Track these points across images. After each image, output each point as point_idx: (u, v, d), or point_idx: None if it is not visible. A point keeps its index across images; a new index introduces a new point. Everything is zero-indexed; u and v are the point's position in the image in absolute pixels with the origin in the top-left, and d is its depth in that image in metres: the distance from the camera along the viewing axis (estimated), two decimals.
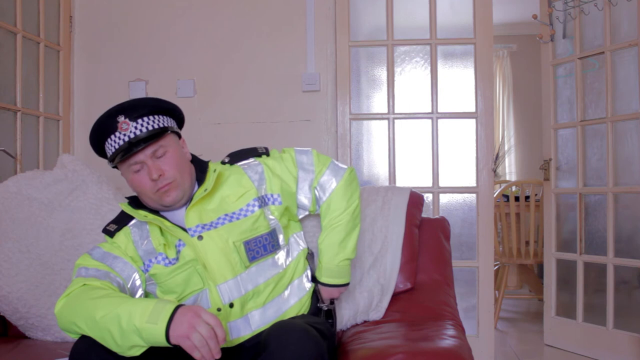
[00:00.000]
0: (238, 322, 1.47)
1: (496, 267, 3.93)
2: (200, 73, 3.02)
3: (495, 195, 3.36)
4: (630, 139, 2.94)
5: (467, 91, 3.03)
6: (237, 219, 1.51)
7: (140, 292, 1.50)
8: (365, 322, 1.74)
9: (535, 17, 3.22)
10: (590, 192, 3.11)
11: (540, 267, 3.69)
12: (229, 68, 3.00)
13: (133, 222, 1.55)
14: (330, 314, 1.59)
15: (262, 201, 1.55)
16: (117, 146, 1.46)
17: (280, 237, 1.56)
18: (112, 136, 1.46)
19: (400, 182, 3.05)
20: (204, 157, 1.66)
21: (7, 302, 1.85)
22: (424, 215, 2.03)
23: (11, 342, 1.83)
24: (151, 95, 3.04)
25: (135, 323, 1.21)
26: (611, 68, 2.96)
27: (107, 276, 1.43)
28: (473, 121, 3.01)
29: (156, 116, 1.50)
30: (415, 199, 1.99)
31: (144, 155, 1.46)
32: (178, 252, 1.48)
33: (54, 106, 2.97)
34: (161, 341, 1.21)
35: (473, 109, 3.01)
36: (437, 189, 3.03)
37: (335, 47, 3.02)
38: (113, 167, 1.53)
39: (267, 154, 1.64)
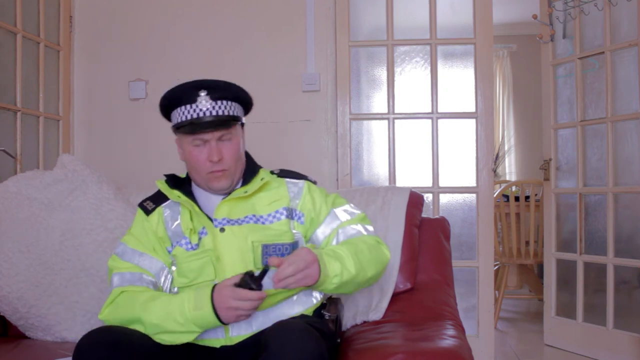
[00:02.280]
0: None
1: (496, 267, 3.93)
2: (200, 73, 3.00)
3: (495, 195, 3.36)
4: (630, 139, 2.94)
5: (467, 91, 3.03)
6: (263, 222, 1.54)
7: (169, 277, 1.55)
8: (364, 322, 1.74)
9: (535, 17, 3.22)
10: (590, 192, 3.11)
11: (540, 267, 3.69)
12: (229, 68, 3.00)
13: (167, 202, 1.58)
14: (334, 323, 1.57)
15: (290, 213, 1.57)
16: (189, 117, 1.48)
17: None
18: (188, 106, 1.49)
19: (400, 182, 3.05)
20: None
21: (7, 302, 1.85)
22: (424, 215, 2.03)
23: (11, 342, 1.83)
24: (152, 95, 3.05)
25: (187, 315, 1.34)
26: (611, 68, 2.96)
27: (141, 279, 1.51)
28: (473, 121, 3.01)
29: (235, 103, 1.54)
30: (415, 199, 1.99)
31: (211, 135, 1.48)
32: (200, 239, 1.51)
33: (54, 106, 2.97)
34: (213, 322, 1.35)
35: (473, 109, 3.01)
36: (437, 189, 3.03)
37: (335, 47, 3.01)
38: (174, 132, 1.56)
39: (315, 184, 1.67)
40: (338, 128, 3.02)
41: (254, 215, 1.54)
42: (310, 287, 1.42)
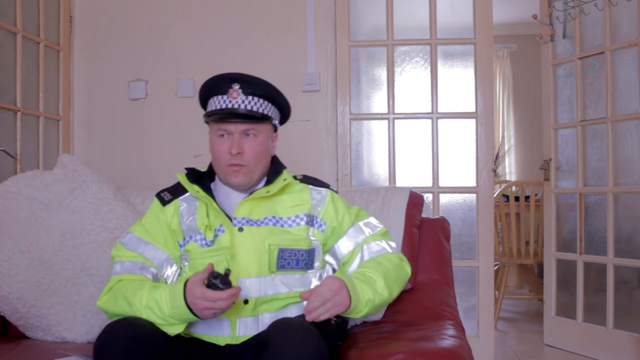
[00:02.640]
0: (248, 320, 1.47)
1: (496, 267, 3.93)
2: (200, 73, 3.00)
3: (495, 195, 3.36)
4: (630, 139, 2.94)
5: (467, 91, 3.03)
6: (282, 225, 1.54)
7: (174, 268, 1.56)
8: (364, 322, 1.74)
9: (535, 17, 3.22)
10: (590, 192, 3.11)
11: (540, 267, 3.69)
12: (229, 68, 2.95)
13: (185, 195, 1.59)
14: (341, 327, 1.57)
15: (311, 220, 1.57)
16: (218, 107, 1.51)
17: (317, 260, 1.57)
18: (220, 96, 1.52)
19: (400, 182, 3.05)
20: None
21: (7, 302, 1.85)
22: (424, 215, 2.03)
23: (11, 342, 1.83)
24: (152, 95, 3.05)
25: (166, 311, 1.35)
26: (611, 68, 2.96)
27: (141, 268, 1.51)
28: (473, 121, 3.01)
29: (267, 102, 1.55)
30: (415, 199, 1.99)
31: (235, 128, 1.50)
32: (216, 236, 1.51)
33: (54, 106, 2.97)
34: (193, 318, 1.35)
35: (473, 109, 3.01)
36: (437, 189, 3.03)
37: (335, 47, 3.01)
38: (205, 122, 1.58)
39: (337, 192, 1.67)
40: (338, 128, 3.02)
41: (274, 217, 1.54)
42: (344, 314, 1.40)
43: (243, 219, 1.51)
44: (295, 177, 1.64)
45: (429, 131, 3.04)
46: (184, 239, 1.55)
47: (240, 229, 1.50)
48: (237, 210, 1.52)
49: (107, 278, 1.78)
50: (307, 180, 1.65)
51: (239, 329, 1.46)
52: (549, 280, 3.26)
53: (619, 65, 2.97)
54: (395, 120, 3.07)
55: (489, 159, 3.00)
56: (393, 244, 1.61)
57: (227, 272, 1.33)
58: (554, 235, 3.26)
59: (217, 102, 1.52)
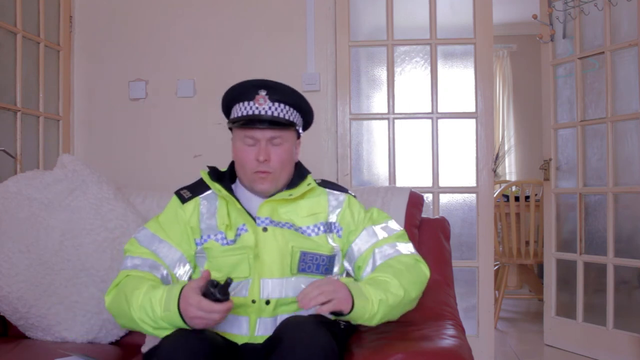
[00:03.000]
0: (267, 320, 1.47)
1: (496, 267, 3.93)
2: (200, 73, 3.02)
3: (495, 195, 3.36)
4: (630, 139, 2.94)
5: (467, 91, 3.03)
6: (303, 232, 1.54)
7: (186, 268, 1.54)
8: None
9: (535, 17, 3.22)
10: (590, 192, 3.10)
11: (540, 267, 3.69)
12: (229, 68, 3.00)
13: (206, 194, 1.58)
14: (348, 331, 1.55)
15: (329, 227, 1.58)
16: (245, 113, 1.51)
17: (337, 266, 1.57)
18: (246, 103, 1.52)
19: (400, 182, 3.05)
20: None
21: (7, 302, 1.85)
22: (424, 215, 2.03)
23: (11, 342, 1.83)
24: (152, 95, 3.05)
25: (157, 313, 1.34)
26: (611, 68, 2.96)
27: (151, 267, 1.49)
28: (473, 121, 3.01)
29: (292, 109, 1.55)
30: (415, 199, 1.99)
31: (262, 134, 1.50)
32: (238, 235, 1.51)
33: (54, 106, 2.97)
34: (183, 324, 1.32)
35: (473, 109, 3.01)
36: (437, 189, 3.03)
37: (335, 47, 3.01)
38: (229, 128, 1.58)
39: (355, 197, 1.66)
40: (338, 128, 3.02)
41: (292, 225, 1.54)
42: (353, 318, 1.37)
43: (266, 218, 1.51)
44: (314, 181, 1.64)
45: (429, 131, 3.04)
46: (202, 237, 1.54)
47: (265, 229, 1.50)
48: (260, 210, 1.52)
49: (107, 278, 1.79)
50: (326, 184, 1.65)
51: (258, 329, 1.46)
52: (549, 280, 3.26)
53: (619, 65, 2.97)
54: (395, 120, 3.07)
55: (489, 159, 3.00)
56: (409, 246, 1.59)
57: (229, 282, 1.29)
58: (554, 235, 3.26)
59: (243, 109, 1.52)
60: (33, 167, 2.72)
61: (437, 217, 2.17)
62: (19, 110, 2.65)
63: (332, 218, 1.58)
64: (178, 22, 3.06)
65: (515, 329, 3.76)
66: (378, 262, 1.52)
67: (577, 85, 3.13)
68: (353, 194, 1.66)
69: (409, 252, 1.56)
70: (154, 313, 1.34)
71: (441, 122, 3.05)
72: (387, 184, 3.05)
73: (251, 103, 1.51)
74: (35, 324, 1.86)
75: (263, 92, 1.51)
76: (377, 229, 1.58)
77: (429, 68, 3.05)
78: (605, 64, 2.98)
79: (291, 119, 1.54)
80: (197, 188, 1.60)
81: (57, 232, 1.88)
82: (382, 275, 1.45)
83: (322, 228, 1.56)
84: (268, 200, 1.53)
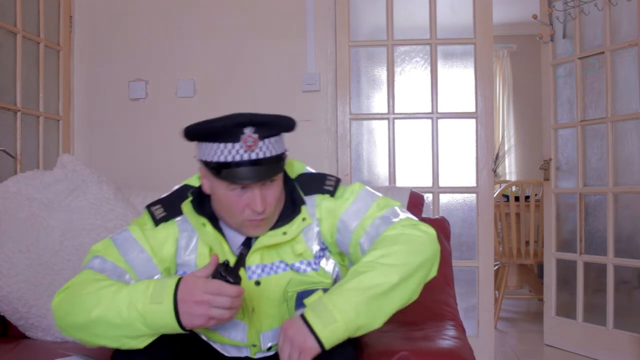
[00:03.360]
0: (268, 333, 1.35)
1: (496, 267, 3.93)
2: (200, 73, 3.02)
3: (495, 195, 3.36)
4: (630, 139, 2.94)
5: (467, 91, 3.03)
6: (298, 270, 1.31)
7: None
8: None
9: (535, 17, 3.22)
10: (590, 192, 3.10)
11: (540, 267, 3.69)
12: (229, 68, 3.00)
13: (182, 218, 1.31)
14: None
15: (321, 251, 1.34)
16: (232, 159, 1.20)
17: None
18: (229, 144, 1.20)
19: (400, 182, 3.05)
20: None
21: (7, 302, 1.85)
22: (424, 215, 2.03)
23: (11, 342, 1.83)
24: (151, 95, 3.05)
25: (138, 307, 1.10)
26: (611, 68, 2.96)
27: (120, 276, 1.25)
28: (473, 121, 3.01)
29: (279, 137, 1.27)
30: (415, 199, 1.99)
31: (255, 184, 1.22)
32: None
33: (54, 106, 2.97)
34: (170, 323, 1.09)
35: (473, 109, 3.01)
36: (437, 189, 3.03)
37: (335, 47, 3.01)
38: (202, 165, 1.26)
39: (332, 192, 1.34)
40: (338, 128, 3.02)
41: (283, 262, 1.31)
42: (365, 330, 1.18)
43: (257, 267, 1.29)
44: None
45: (429, 131, 3.04)
46: (177, 271, 1.31)
47: (257, 283, 1.29)
48: (249, 259, 1.28)
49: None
50: (302, 187, 1.35)
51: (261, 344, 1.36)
52: (549, 280, 3.26)
53: (619, 65, 2.97)
54: (395, 120, 3.07)
55: (489, 159, 3.00)
56: (399, 213, 1.32)
57: (242, 254, 1.14)
58: (554, 235, 3.26)
59: (228, 154, 1.20)
60: (33, 167, 2.72)
61: (437, 217, 2.17)
62: (19, 110, 2.65)
63: (314, 246, 1.32)
64: (178, 22, 3.06)
65: (515, 329, 3.76)
66: (373, 239, 1.28)
67: (577, 85, 3.13)
68: (330, 187, 1.35)
69: (401, 217, 1.31)
70: (131, 309, 1.10)
71: (441, 122, 3.05)
72: (387, 184, 3.05)
73: (236, 145, 1.19)
74: (35, 324, 1.86)
75: (250, 130, 1.20)
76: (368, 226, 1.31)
77: (429, 68, 3.05)
78: (605, 64, 2.98)
79: (281, 151, 1.26)
80: (176, 207, 1.32)
81: (57, 232, 1.88)
82: (361, 269, 1.20)
83: (312, 261, 1.32)
84: (258, 248, 1.28)
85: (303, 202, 1.33)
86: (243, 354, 1.38)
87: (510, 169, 5.98)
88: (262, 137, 1.21)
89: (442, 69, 3.06)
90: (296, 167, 1.40)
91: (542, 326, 3.32)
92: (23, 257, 1.86)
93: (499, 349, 3.17)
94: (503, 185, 4.41)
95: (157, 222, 1.31)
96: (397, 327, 1.64)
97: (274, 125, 1.24)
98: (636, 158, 2.91)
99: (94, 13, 3.09)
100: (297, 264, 1.31)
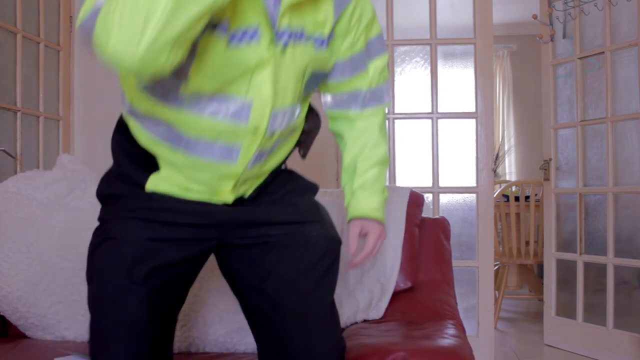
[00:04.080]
0: (264, 152, 1.16)
1: (496, 267, 3.93)
2: None
3: (495, 195, 3.36)
4: (630, 139, 2.95)
5: (467, 91, 3.03)
6: (315, 42, 1.14)
7: None
8: (365, 321, 1.74)
9: (535, 17, 3.22)
10: (590, 192, 3.11)
11: (540, 267, 3.69)
12: None
13: None
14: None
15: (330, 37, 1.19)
16: None
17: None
18: None
19: (400, 182, 3.05)
20: None
21: (7, 302, 1.85)
22: (424, 215, 2.03)
23: (11, 342, 1.83)
24: None
25: None
26: (611, 68, 2.96)
27: None
28: (473, 121, 3.01)
29: None
30: (415, 199, 1.99)
31: None
32: (240, 39, 1.02)
33: (54, 106, 2.97)
34: None
35: (473, 109, 3.01)
36: (437, 189, 3.03)
37: None
38: None
39: None
40: None
41: (304, 31, 1.10)
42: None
43: (285, 31, 1.06)
44: None
45: (429, 131, 3.04)
46: None
47: (283, 48, 1.07)
48: (281, 18, 1.05)
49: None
50: None
51: (252, 160, 1.14)
52: (549, 280, 3.26)
53: (619, 65, 2.97)
54: (395, 120, 3.07)
55: (489, 159, 3.00)
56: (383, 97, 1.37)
57: None
58: (554, 235, 3.26)
59: None
60: (33, 167, 2.72)
61: (437, 217, 2.17)
62: (19, 110, 2.65)
63: (332, 18, 1.16)
64: None
65: (515, 329, 3.76)
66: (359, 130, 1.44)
67: (577, 85, 3.13)
68: None
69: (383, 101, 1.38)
70: None
71: (441, 122, 3.05)
72: (387, 183, 3.05)
73: None
74: (35, 323, 1.86)
75: None
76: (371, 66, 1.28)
77: (429, 68, 3.05)
78: (605, 64, 2.98)
79: None
80: None
81: (57, 231, 1.88)
82: (369, 171, 1.49)
83: (326, 40, 1.16)
84: (293, 2, 1.05)
85: None
86: (206, 197, 1.19)
87: (510, 169, 5.98)
88: None
89: (442, 69, 3.07)
90: None
91: (542, 326, 3.32)
92: (23, 256, 1.86)
93: (499, 349, 3.17)
94: (503, 185, 4.41)
95: None
96: (397, 326, 1.64)
97: None
98: (636, 158, 2.91)
99: None
100: (315, 36, 1.12)
